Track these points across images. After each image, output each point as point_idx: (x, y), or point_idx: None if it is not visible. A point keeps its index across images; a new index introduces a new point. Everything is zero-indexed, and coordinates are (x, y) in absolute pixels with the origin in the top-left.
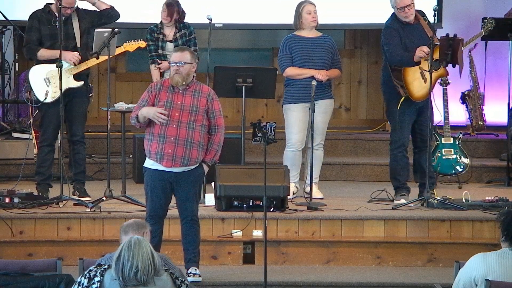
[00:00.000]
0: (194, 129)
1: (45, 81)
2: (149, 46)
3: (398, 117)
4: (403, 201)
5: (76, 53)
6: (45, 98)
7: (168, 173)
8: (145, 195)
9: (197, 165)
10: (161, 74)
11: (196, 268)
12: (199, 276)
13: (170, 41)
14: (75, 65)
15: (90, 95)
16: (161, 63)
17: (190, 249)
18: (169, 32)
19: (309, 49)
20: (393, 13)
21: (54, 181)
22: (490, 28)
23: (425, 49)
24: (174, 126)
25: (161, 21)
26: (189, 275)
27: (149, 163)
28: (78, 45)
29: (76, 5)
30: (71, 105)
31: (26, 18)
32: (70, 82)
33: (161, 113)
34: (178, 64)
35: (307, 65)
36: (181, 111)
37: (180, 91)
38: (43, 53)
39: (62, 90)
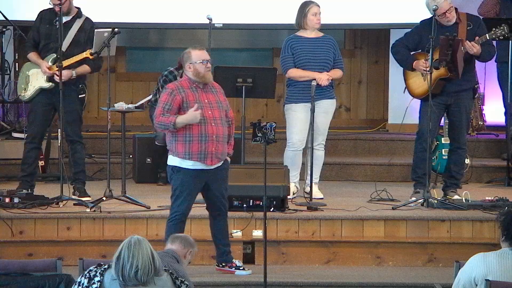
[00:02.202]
0: (224, 124)
1: (26, 79)
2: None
3: (420, 108)
4: (413, 198)
5: (49, 72)
6: (22, 96)
7: (207, 171)
8: (175, 194)
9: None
10: None
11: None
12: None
13: None
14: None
15: (80, 96)
16: None
17: (228, 242)
18: None
19: (311, 50)
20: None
21: (54, 181)
22: (500, 35)
23: (423, 64)
24: (213, 124)
25: (181, 75)
26: (239, 268)
27: (185, 164)
28: (62, 49)
29: (71, 8)
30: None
31: (26, 18)
32: (41, 82)
33: (195, 110)
34: (209, 61)
35: (309, 66)
36: (211, 108)
37: (202, 89)
38: (31, 57)
39: (35, 89)
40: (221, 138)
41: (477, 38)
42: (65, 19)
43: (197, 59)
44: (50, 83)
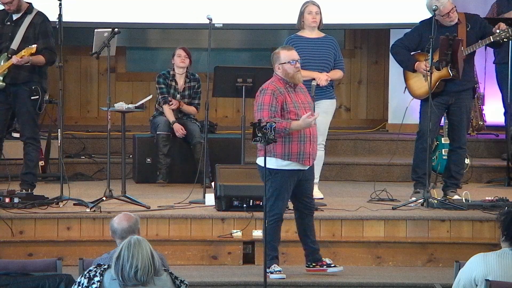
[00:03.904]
0: (316, 125)
1: None
2: (161, 89)
3: (421, 108)
4: (413, 198)
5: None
6: None
7: (301, 171)
8: (273, 196)
9: None
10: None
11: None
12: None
13: (179, 93)
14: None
15: (33, 97)
16: (171, 101)
17: (316, 240)
18: (181, 81)
19: (311, 50)
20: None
21: (54, 181)
22: (504, 37)
23: (424, 67)
24: None
25: (173, 68)
26: (331, 266)
27: (282, 164)
28: (13, 47)
29: (21, 5)
30: (15, 105)
31: None
32: None
33: (309, 117)
34: (298, 61)
35: (309, 66)
36: (304, 109)
37: (294, 90)
38: None
39: None
40: (315, 138)
41: (480, 41)
42: (15, 16)
43: (286, 59)
44: (1, 83)
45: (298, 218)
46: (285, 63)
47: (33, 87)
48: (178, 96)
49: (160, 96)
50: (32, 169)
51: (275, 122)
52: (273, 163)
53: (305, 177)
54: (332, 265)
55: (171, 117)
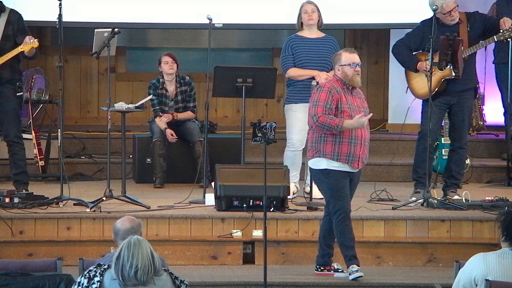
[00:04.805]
0: (368, 129)
1: None
2: (152, 100)
3: (423, 108)
4: (413, 198)
5: None
6: None
7: (350, 174)
8: (334, 195)
9: None
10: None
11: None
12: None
13: (171, 100)
14: None
15: (18, 94)
16: (162, 116)
17: (333, 245)
18: (171, 88)
19: (311, 50)
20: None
21: (54, 181)
22: (508, 37)
23: (424, 66)
24: (362, 128)
25: (162, 76)
26: (338, 271)
27: (333, 165)
28: None
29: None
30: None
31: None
32: None
33: (362, 117)
34: (358, 65)
35: (308, 66)
36: (359, 112)
37: (351, 93)
38: None
39: None
40: (367, 142)
41: (481, 42)
42: None
43: (347, 61)
44: None
45: (325, 220)
46: (345, 65)
47: (17, 84)
48: (171, 103)
49: (152, 109)
50: (24, 167)
51: (275, 122)
52: (324, 163)
53: (352, 180)
54: (340, 270)
55: (162, 125)
